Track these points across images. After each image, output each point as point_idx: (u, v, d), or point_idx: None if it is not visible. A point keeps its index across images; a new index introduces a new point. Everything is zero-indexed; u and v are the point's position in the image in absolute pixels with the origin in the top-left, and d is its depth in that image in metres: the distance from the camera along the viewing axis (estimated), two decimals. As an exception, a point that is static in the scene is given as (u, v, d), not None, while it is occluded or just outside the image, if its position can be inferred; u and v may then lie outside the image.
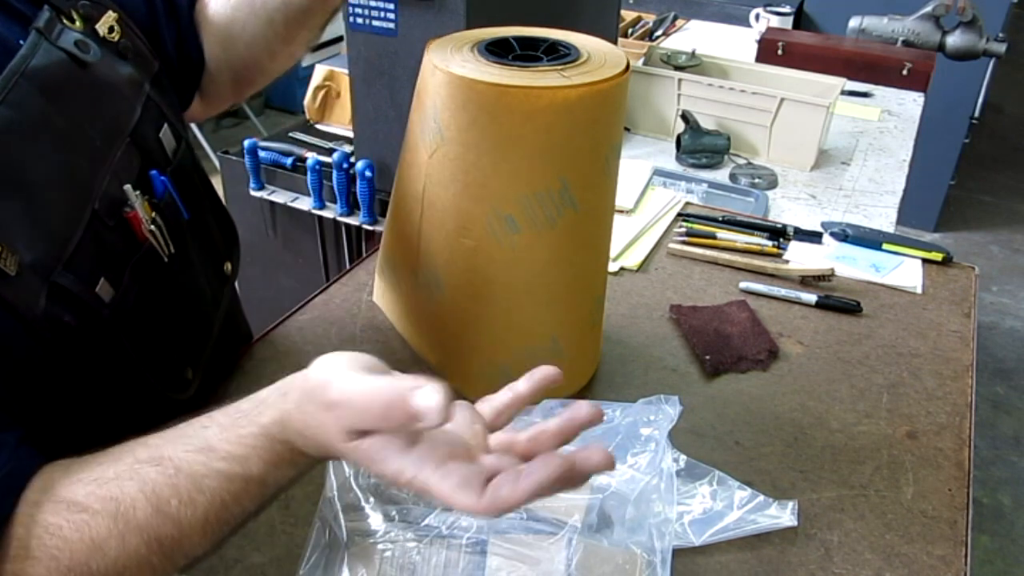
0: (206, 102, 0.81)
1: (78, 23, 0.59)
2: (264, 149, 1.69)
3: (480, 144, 0.65)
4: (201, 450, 0.48)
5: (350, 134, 1.71)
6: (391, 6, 1.29)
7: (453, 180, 0.68)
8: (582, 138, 0.65)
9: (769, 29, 2.25)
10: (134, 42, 0.65)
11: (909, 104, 1.87)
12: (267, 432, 0.48)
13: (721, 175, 1.49)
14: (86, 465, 0.49)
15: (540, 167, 0.65)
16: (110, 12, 0.63)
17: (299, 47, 0.79)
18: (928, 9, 2.06)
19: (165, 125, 0.68)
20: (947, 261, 1.03)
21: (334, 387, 0.46)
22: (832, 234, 1.07)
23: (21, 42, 0.54)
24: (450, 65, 0.64)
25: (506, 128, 0.63)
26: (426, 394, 0.42)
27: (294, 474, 0.50)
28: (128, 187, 0.61)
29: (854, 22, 2.15)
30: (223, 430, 0.49)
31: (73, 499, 0.48)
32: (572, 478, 0.44)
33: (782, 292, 0.96)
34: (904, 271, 1.01)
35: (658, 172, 1.37)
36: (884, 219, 1.36)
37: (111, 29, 0.63)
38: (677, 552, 0.61)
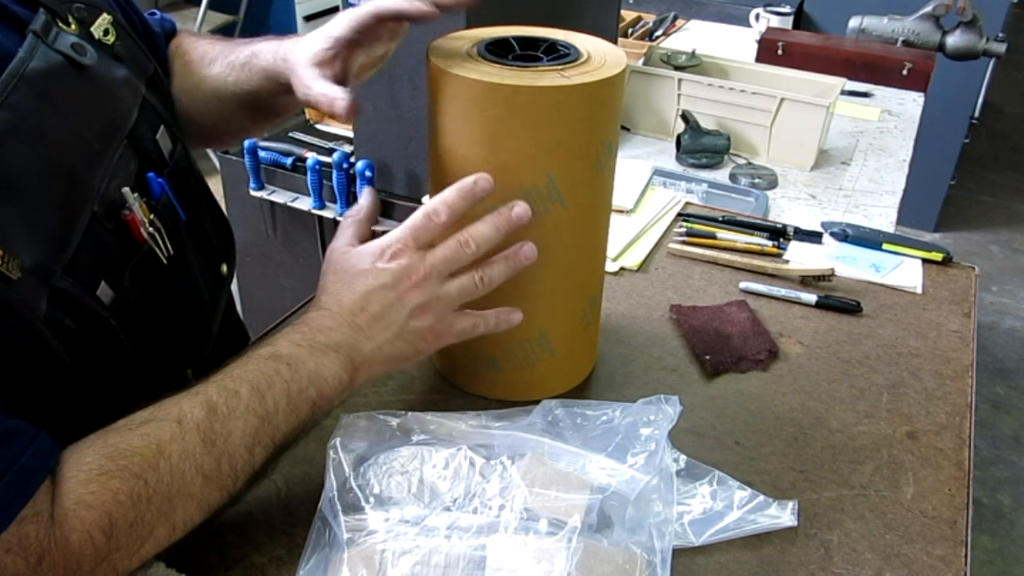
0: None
1: (73, 26, 0.59)
2: (264, 149, 1.69)
3: (469, 137, 0.65)
4: (243, 357, 0.59)
5: (350, 134, 1.71)
6: (391, 6, 1.29)
7: (444, 170, 0.69)
8: (570, 135, 0.65)
9: (769, 29, 2.25)
10: (129, 44, 0.65)
11: (909, 104, 1.87)
12: (292, 322, 0.62)
13: (721, 175, 1.50)
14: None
15: (526, 162, 0.65)
16: (104, 15, 0.63)
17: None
18: (928, 9, 2.07)
19: (161, 127, 0.68)
20: (947, 261, 1.03)
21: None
22: (832, 234, 1.07)
23: (19, 47, 0.54)
24: (448, 64, 0.64)
25: (493, 122, 0.64)
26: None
27: (312, 367, 0.59)
28: (126, 190, 0.61)
29: (854, 22, 2.15)
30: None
31: (139, 417, 0.53)
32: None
33: (782, 292, 0.96)
34: (904, 271, 1.01)
35: (658, 172, 1.37)
36: (884, 219, 1.36)
37: (106, 32, 0.63)
38: (677, 552, 0.61)
